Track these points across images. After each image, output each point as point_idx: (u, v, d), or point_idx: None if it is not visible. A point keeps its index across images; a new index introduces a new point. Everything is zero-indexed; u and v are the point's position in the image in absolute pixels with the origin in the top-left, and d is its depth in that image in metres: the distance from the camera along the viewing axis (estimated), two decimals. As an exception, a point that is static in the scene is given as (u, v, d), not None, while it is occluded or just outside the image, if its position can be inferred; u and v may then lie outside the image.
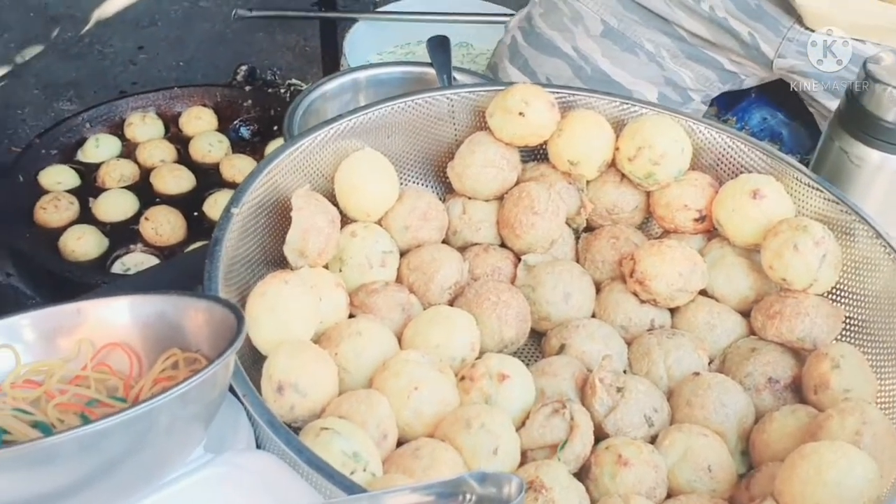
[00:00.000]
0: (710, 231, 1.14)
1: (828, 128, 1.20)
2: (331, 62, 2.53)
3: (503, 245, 1.13)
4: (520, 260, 1.10)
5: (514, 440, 0.88)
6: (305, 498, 0.72)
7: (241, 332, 0.71)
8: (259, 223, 1.00)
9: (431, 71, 1.45)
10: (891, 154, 1.13)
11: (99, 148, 1.76)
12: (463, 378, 0.93)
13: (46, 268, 1.54)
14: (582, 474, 0.89)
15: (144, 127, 1.80)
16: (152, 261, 1.58)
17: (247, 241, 0.98)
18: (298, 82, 1.92)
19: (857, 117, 1.13)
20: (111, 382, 0.79)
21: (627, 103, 1.17)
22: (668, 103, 1.54)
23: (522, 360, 0.97)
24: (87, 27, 3.00)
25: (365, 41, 2.09)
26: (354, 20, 2.36)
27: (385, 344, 0.96)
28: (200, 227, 1.63)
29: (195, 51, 2.90)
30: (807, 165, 1.16)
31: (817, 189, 1.09)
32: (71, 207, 1.62)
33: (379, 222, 1.10)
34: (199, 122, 1.84)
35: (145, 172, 1.71)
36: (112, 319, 0.80)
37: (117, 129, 1.81)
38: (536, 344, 1.07)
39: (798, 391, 1.00)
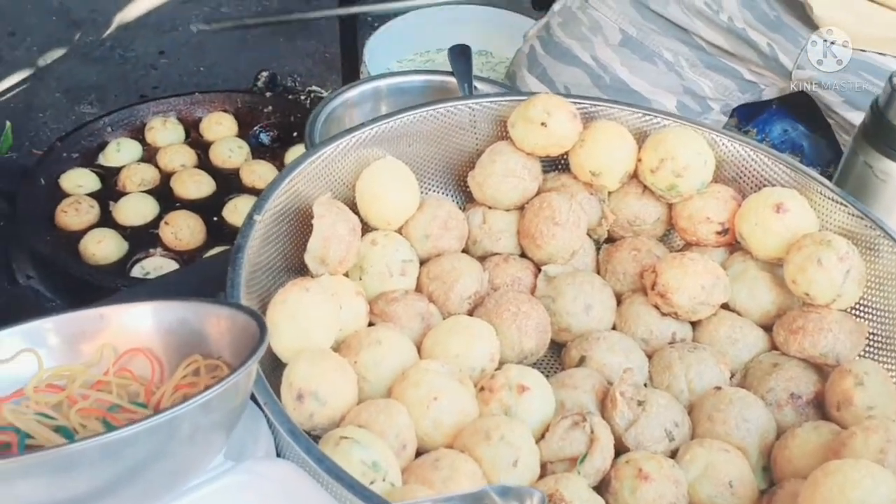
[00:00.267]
0: (733, 244, 1.13)
1: (852, 142, 1.19)
2: (350, 69, 2.54)
3: (523, 255, 1.13)
4: (540, 270, 1.10)
5: (533, 452, 0.87)
6: (325, 507, 0.72)
7: (264, 341, 0.71)
8: (281, 230, 1.00)
9: (452, 79, 1.45)
10: (916, 169, 1.12)
11: (120, 152, 1.77)
12: (482, 389, 0.93)
13: (67, 271, 1.54)
14: (602, 488, 0.89)
15: (165, 132, 1.81)
16: (172, 265, 1.58)
17: (268, 248, 0.98)
18: (319, 89, 1.93)
19: (882, 132, 1.12)
20: (133, 388, 0.79)
21: (650, 114, 1.16)
22: (687, 112, 1.54)
23: (542, 372, 0.96)
24: (108, 31, 3.02)
25: (385, 48, 2.10)
26: (354, 21, 2.37)
27: (405, 353, 0.96)
28: (220, 232, 1.64)
29: (216, 56, 2.92)
30: (829, 178, 1.16)
31: (841, 203, 1.08)
32: (91, 211, 1.63)
33: (399, 231, 1.10)
34: (220, 127, 1.85)
35: (166, 177, 1.72)
36: (135, 325, 0.80)
37: (138, 134, 1.83)
38: (556, 355, 1.07)
39: (820, 407, 0.99)
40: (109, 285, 1.51)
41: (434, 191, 1.20)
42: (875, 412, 0.93)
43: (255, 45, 2.98)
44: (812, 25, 1.38)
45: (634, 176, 1.14)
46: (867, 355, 1.03)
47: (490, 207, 1.14)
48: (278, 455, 0.79)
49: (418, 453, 0.88)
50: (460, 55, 1.47)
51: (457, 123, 1.17)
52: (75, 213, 1.62)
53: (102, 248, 1.57)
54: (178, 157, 1.76)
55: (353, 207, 1.06)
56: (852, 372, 0.96)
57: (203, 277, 1.27)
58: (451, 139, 1.18)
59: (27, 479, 0.58)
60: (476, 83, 1.44)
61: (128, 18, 3.07)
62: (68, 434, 0.70)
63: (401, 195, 1.09)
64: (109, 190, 1.70)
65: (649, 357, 1.03)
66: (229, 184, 1.73)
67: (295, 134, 1.86)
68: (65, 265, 1.55)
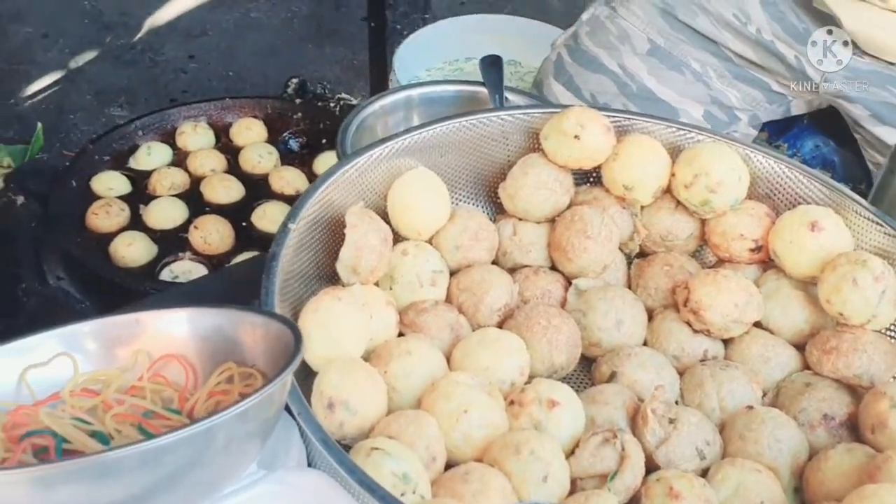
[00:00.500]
0: (766, 261, 1.12)
1: (888, 161, 1.18)
2: (378, 76, 2.55)
3: (553, 268, 1.12)
4: (570, 284, 1.09)
5: (563, 468, 0.87)
6: (355, 518, 0.72)
7: (299, 351, 0.71)
8: (314, 239, 1.01)
9: (484, 90, 1.45)
10: (955, 189, 1.11)
11: (151, 156, 1.78)
12: (512, 403, 0.93)
13: (97, 273, 1.56)
14: (631, 506, 0.88)
15: (196, 136, 1.83)
16: (200, 269, 1.59)
17: (301, 257, 0.98)
18: (348, 97, 1.94)
19: (920, 151, 1.11)
20: (166, 394, 0.79)
21: (683, 129, 1.16)
22: (714, 122, 1.54)
23: (571, 386, 0.96)
24: (139, 35, 3.05)
25: (414, 57, 2.10)
26: (384, 29, 2.36)
27: (434, 364, 0.96)
28: (248, 237, 1.65)
29: (245, 61, 2.94)
30: (862, 196, 1.14)
31: (877, 223, 1.07)
32: (122, 214, 1.64)
33: (430, 241, 1.10)
34: (250, 132, 1.86)
35: (195, 181, 1.73)
36: (170, 331, 0.81)
37: (169, 138, 1.84)
38: (585, 370, 1.06)
39: (854, 429, 0.98)
40: (138, 288, 1.52)
41: (465, 201, 1.20)
42: (911, 436, 0.91)
43: (284, 51, 3.00)
44: None
45: (667, 191, 1.13)
46: (902, 377, 1.02)
47: (521, 219, 1.14)
48: (309, 464, 0.79)
49: (447, 466, 0.88)
50: (491, 66, 1.47)
51: (488, 134, 1.17)
52: (106, 215, 1.63)
53: (132, 250, 1.58)
54: (208, 161, 1.77)
55: (385, 217, 1.06)
56: (887, 394, 0.95)
57: (232, 283, 1.28)
58: (483, 150, 1.18)
59: (67, 485, 0.58)
60: (506, 93, 1.45)
61: (158, 22, 3.10)
62: (104, 439, 0.71)
63: (432, 205, 1.09)
64: (140, 193, 1.71)
65: (680, 374, 1.03)
66: (258, 189, 1.74)
67: (324, 141, 1.87)
68: (95, 267, 1.56)
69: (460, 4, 3.30)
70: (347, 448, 0.82)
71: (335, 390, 0.87)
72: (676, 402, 0.99)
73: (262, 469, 0.72)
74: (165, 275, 1.58)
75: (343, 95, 1.96)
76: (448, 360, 0.98)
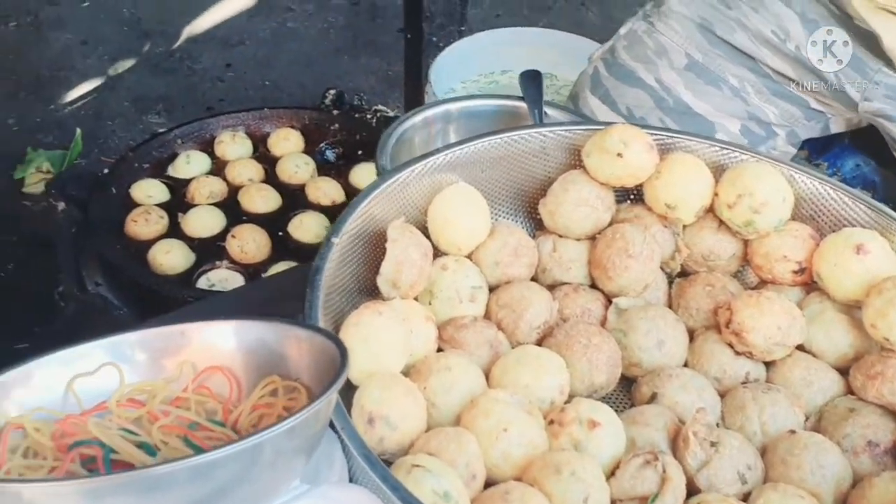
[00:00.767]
0: (809, 284, 1.11)
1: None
2: (413, 87, 2.55)
3: (593, 286, 1.12)
4: (610, 302, 1.09)
5: (604, 489, 0.86)
6: (397, 535, 0.72)
7: (345, 367, 0.71)
8: (355, 252, 1.01)
9: (523, 104, 1.45)
10: None
11: (190, 164, 1.80)
12: (552, 422, 0.92)
13: (135, 280, 1.58)
14: (672, 529, 0.87)
15: (234, 145, 1.84)
16: (236, 277, 1.61)
17: (343, 270, 0.98)
18: (385, 108, 1.95)
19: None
20: (210, 405, 0.80)
21: (727, 148, 1.15)
22: (751, 137, 1.52)
23: (610, 406, 0.95)
24: (177, 43, 3.09)
25: (450, 69, 2.11)
26: (420, 41, 2.36)
27: (473, 381, 0.95)
28: (284, 246, 1.66)
29: (282, 71, 2.96)
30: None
31: (924, 247, 1.05)
32: (160, 221, 1.66)
33: (469, 256, 1.10)
34: (287, 143, 1.88)
35: (233, 190, 1.75)
36: (215, 343, 0.81)
37: (207, 147, 1.86)
38: (624, 390, 1.05)
39: (899, 457, 0.96)
40: (176, 295, 1.54)
41: (503, 217, 1.19)
42: (959, 465, 0.90)
43: (320, 61, 3.02)
44: (881, 56, 1.36)
45: (710, 210, 1.12)
46: (949, 405, 1.00)
47: (561, 236, 1.13)
48: (351, 480, 0.79)
49: (486, 484, 0.87)
50: (531, 81, 1.47)
51: (528, 150, 1.17)
52: (145, 222, 1.65)
53: (170, 258, 1.60)
54: (245, 171, 1.79)
55: (425, 232, 1.07)
56: (934, 422, 0.93)
57: (270, 293, 1.28)
58: (523, 166, 1.18)
59: (116, 497, 0.59)
60: (545, 108, 1.44)
61: (196, 31, 3.14)
62: (150, 450, 0.71)
63: (472, 221, 1.09)
64: (178, 201, 1.73)
65: (721, 396, 1.01)
66: (295, 199, 1.76)
67: (360, 152, 1.88)
68: (133, 274, 1.58)
69: (496, 17, 3.30)
70: (387, 464, 0.83)
71: (376, 405, 0.87)
72: (717, 425, 0.98)
73: (305, 484, 0.73)
74: (202, 283, 1.60)
75: (380, 107, 1.98)
76: (487, 376, 0.98)
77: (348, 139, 1.91)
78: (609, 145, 1.09)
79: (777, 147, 1.52)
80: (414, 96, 2.54)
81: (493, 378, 0.98)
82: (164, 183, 1.77)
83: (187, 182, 1.76)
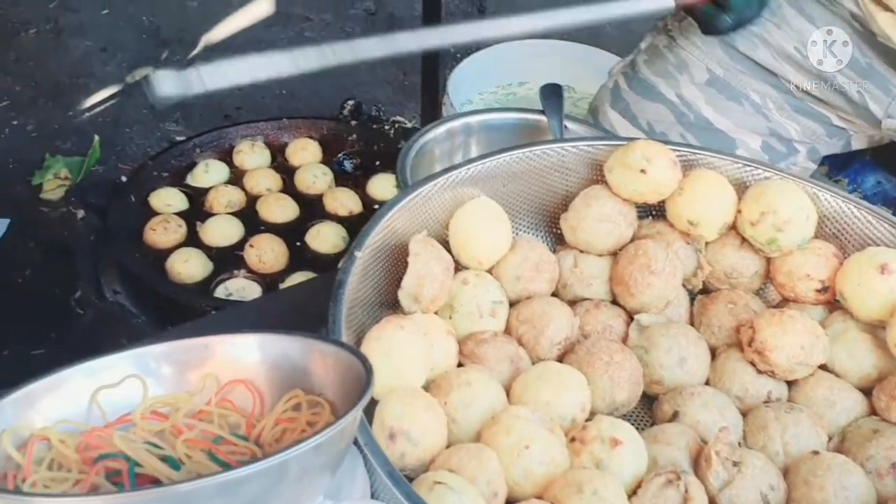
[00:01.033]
0: (832, 303, 1.10)
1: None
2: (430, 98, 2.56)
3: (614, 302, 1.11)
4: (632, 319, 1.08)
5: (626, 509, 0.86)
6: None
7: (371, 384, 0.71)
8: (377, 266, 1.01)
9: (542, 118, 1.45)
10: None
11: (208, 173, 1.81)
12: (573, 440, 0.92)
13: (153, 288, 1.58)
14: (694, 550, 0.86)
15: (253, 155, 1.85)
16: (254, 287, 1.61)
17: (365, 284, 0.98)
18: (403, 120, 1.95)
19: None
20: (233, 419, 0.79)
21: (750, 165, 1.14)
22: (772, 154, 1.52)
23: (631, 424, 0.95)
24: (195, 51, 3.10)
25: (467, 81, 2.11)
26: (437, 51, 2.37)
27: (494, 397, 0.95)
28: (302, 256, 1.66)
29: (298, 80, 2.95)
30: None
31: (950, 267, 1.04)
32: (179, 230, 1.67)
33: (490, 271, 1.10)
34: (305, 153, 1.88)
35: (251, 200, 1.76)
36: (238, 356, 0.81)
37: (226, 156, 1.87)
38: (645, 407, 1.05)
39: (924, 480, 0.95)
40: (193, 304, 1.54)
41: (524, 231, 1.19)
42: (985, 489, 0.89)
43: (336, 71, 3.01)
44: None
45: (733, 227, 1.12)
46: (974, 427, 0.99)
47: (582, 251, 1.13)
48: (373, 496, 0.79)
49: (507, 502, 0.87)
50: (552, 94, 1.47)
51: (550, 165, 1.17)
52: (164, 231, 1.66)
53: (188, 267, 1.60)
54: (264, 180, 1.79)
55: (446, 245, 1.06)
56: (960, 445, 0.92)
57: (289, 305, 1.28)
58: (544, 180, 1.18)
59: (143, 513, 0.59)
60: (566, 122, 1.44)
61: (214, 40, 3.15)
62: (174, 464, 0.71)
63: (494, 235, 1.09)
64: (197, 210, 1.74)
65: (742, 415, 1.01)
66: (313, 209, 1.76)
67: (377, 163, 1.89)
68: (151, 282, 1.59)
69: (512, 28, 3.30)
70: (408, 479, 0.82)
71: (397, 420, 0.87)
72: (739, 445, 0.97)
73: (328, 500, 0.72)
74: (220, 292, 1.60)
75: (398, 118, 1.98)
76: (507, 392, 0.98)
77: (366, 150, 1.91)
78: (632, 161, 1.09)
79: (797, 163, 1.51)
80: (430, 107, 2.54)
81: (513, 394, 0.97)
82: (183, 192, 1.77)
83: (206, 191, 1.77)
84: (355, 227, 1.71)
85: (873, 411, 1.02)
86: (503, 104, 2.13)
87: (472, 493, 0.81)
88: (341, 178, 1.85)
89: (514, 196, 1.16)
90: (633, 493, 0.88)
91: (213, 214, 1.72)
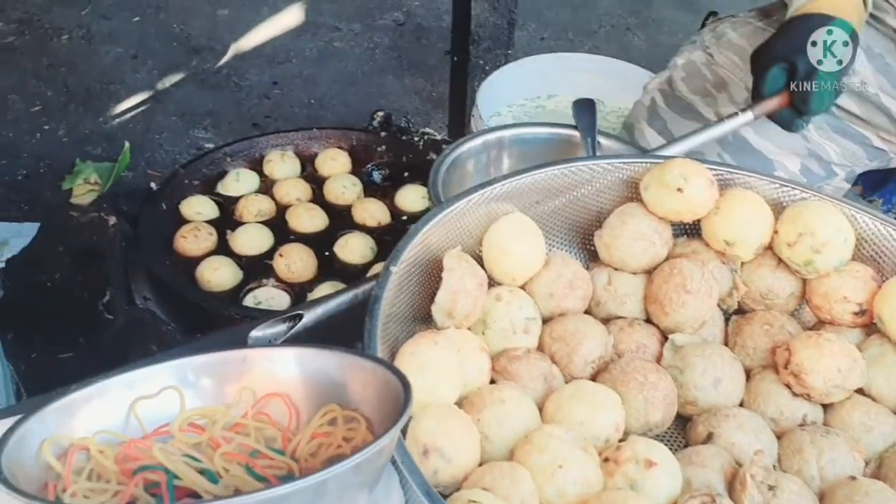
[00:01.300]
0: (869, 325, 1.09)
1: None
2: (457, 109, 2.56)
3: (648, 321, 1.11)
4: (666, 338, 1.07)
5: (661, 531, 0.85)
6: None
7: (409, 402, 0.71)
8: (411, 281, 1.01)
9: (575, 132, 1.44)
10: None
11: (239, 182, 1.81)
12: (607, 460, 0.91)
13: (183, 296, 1.58)
14: (730, 574, 0.86)
15: (283, 165, 1.86)
16: (283, 296, 1.61)
17: (400, 298, 0.98)
18: (432, 132, 1.95)
19: None
20: (269, 432, 0.80)
21: (787, 185, 1.14)
22: (810, 176, 1.50)
23: (664, 444, 0.94)
24: (225, 59, 3.13)
25: (496, 93, 2.11)
26: (466, 63, 2.37)
27: (527, 414, 0.95)
28: (331, 266, 1.66)
29: (326, 89, 2.98)
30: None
31: None
32: (209, 238, 1.67)
33: (523, 287, 1.09)
34: (335, 163, 1.88)
35: (281, 209, 1.76)
36: (275, 369, 0.81)
37: (257, 165, 1.87)
38: (679, 428, 1.04)
39: (963, 508, 0.93)
40: (223, 313, 1.54)
41: (558, 247, 1.19)
42: None
43: (365, 81, 3.04)
44: None
45: (769, 248, 1.11)
46: None
47: (616, 269, 1.12)
48: (407, 513, 0.79)
49: (540, 522, 0.86)
50: (585, 110, 1.46)
51: (584, 181, 1.16)
52: (194, 239, 1.66)
53: (218, 275, 1.60)
54: (293, 190, 1.80)
55: (479, 261, 1.06)
56: None
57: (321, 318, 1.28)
58: (578, 197, 1.17)
59: (185, 527, 0.59)
60: (599, 137, 1.44)
61: (244, 48, 3.17)
62: (212, 477, 0.72)
63: (527, 251, 1.09)
64: (227, 218, 1.75)
65: (777, 438, 1.00)
66: (342, 219, 1.76)
67: (406, 174, 1.89)
68: (181, 290, 1.59)
69: (540, 40, 3.31)
70: (442, 496, 0.82)
71: (430, 437, 0.86)
72: (774, 468, 0.96)
73: (364, 517, 0.72)
74: (249, 300, 1.60)
75: (427, 130, 1.98)
76: (540, 410, 0.97)
77: (395, 161, 1.91)
78: (669, 179, 1.08)
79: (832, 185, 1.50)
80: (458, 118, 2.55)
81: (546, 412, 0.97)
82: (214, 200, 1.78)
83: (236, 200, 1.77)
84: (383, 237, 1.72)
85: (911, 437, 1.01)
86: (532, 117, 2.12)
87: (507, 513, 0.81)
88: (370, 189, 1.85)
89: (547, 212, 1.16)
90: (667, 516, 0.88)
91: (242, 223, 1.72)
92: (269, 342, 0.95)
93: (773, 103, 1.27)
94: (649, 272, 1.11)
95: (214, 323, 1.52)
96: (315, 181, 1.85)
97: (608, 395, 0.97)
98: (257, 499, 0.59)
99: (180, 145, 2.73)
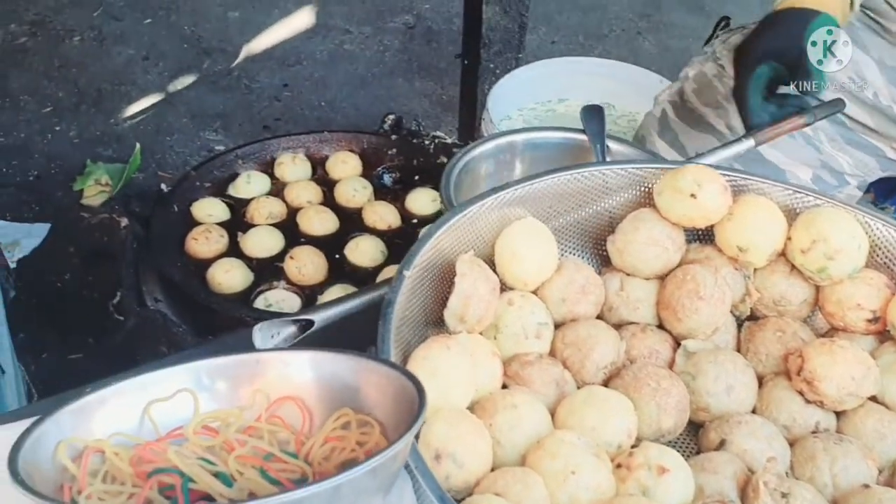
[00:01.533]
0: (882, 333, 1.08)
1: None
2: (468, 112, 2.57)
3: (660, 326, 1.10)
4: (678, 344, 1.07)
5: (673, 538, 0.85)
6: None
7: (424, 407, 0.71)
8: (423, 285, 1.01)
9: (585, 137, 1.44)
10: None
11: (250, 184, 1.82)
12: (619, 466, 0.91)
13: (193, 298, 1.59)
14: (741, 582, 0.85)
15: (294, 167, 1.86)
16: (293, 298, 1.61)
17: (412, 302, 0.98)
18: (442, 135, 1.95)
19: None
20: (282, 435, 0.80)
21: (800, 192, 1.13)
22: (823, 186, 1.50)
23: (676, 451, 0.94)
24: (236, 61, 3.14)
25: (506, 96, 2.11)
26: (477, 67, 2.37)
27: (540, 419, 0.94)
28: (341, 269, 1.67)
29: (337, 92, 2.99)
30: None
31: None
32: (221, 240, 1.68)
33: (535, 292, 1.09)
34: (345, 166, 1.89)
35: (292, 212, 1.76)
36: (289, 373, 0.81)
37: (268, 168, 1.88)
38: (691, 434, 1.04)
39: (977, 517, 0.93)
40: (234, 315, 1.55)
41: (570, 252, 1.19)
42: None
43: (375, 84, 3.05)
44: None
45: (782, 254, 1.10)
46: None
47: (629, 274, 1.12)
48: (420, 518, 0.78)
49: (552, 528, 0.86)
50: (594, 116, 1.46)
51: (597, 186, 1.16)
52: (205, 241, 1.67)
53: (229, 277, 1.61)
54: (304, 193, 1.80)
55: (492, 265, 1.06)
56: None
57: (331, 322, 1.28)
58: (590, 202, 1.17)
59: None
60: (610, 143, 1.44)
61: (255, 51, 3.19)
62: (226, 480, 0.72)
63: (539, 256, 1.09)
64: (238, 221, 1.75)
65: (790, 445, 0.99)
66: (352, 222, 1.76)
67: (416, 177, 1.89)
68: (192, 292, 1.60)
69: (551, 43, 3.31)
70: (455, 501, 0.82)
71: (442, 442, 0.86)
72: (786, 475, 0.96)
73: (377, 521, 0.72)
74: (259, 302, 1.61)
75: (438, 133, 1.98)
76: (552, 416, 0.97)
77: (405, 164, 1.91)
78: (682, 185, 1.08)
79: (844, 191, 1.49)
80: (469, 122, 2.55)
81: (558, 418, 0.97)
82: (225, 202, 1.78)
83: (247, 202, 1.78)
84: (394, 240, 1.72)
85: (925, 445, 1.00)
86: (543, 121, 2.13)
87: (519, 518, 0.81)
88: (380, 192, 1.85)
89: (560, 217, 1.16)
90: (679, 523, 0.87)
91: (253, 225, 1.73)
92: (270, 338, 0.94)
93: (788, 127, 1.25)
94: (662, 278, 1.11)
95: (225, 325, 1.53)
96: (326, 184, 1.85)
97: (620, 401, 0.97)
98: (273, 503, 0.59)
99: (191, 147, 2.74)
